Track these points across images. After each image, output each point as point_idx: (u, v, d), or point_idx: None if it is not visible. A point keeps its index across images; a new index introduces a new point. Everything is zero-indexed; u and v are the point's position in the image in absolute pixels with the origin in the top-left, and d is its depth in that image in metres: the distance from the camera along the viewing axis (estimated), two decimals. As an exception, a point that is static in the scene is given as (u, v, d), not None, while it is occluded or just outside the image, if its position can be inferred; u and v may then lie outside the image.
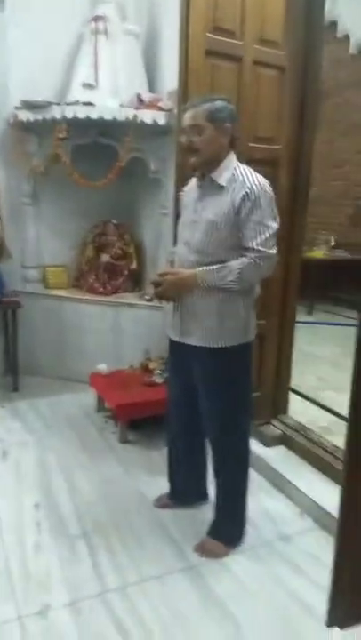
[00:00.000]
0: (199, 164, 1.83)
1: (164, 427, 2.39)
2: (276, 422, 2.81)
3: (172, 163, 2.91)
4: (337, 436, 2.63)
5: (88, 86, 3.22)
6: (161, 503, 2.26)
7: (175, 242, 2.08)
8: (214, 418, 1.96)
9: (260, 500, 2.33)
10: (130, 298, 3.57)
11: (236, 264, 1.75)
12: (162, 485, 2.29)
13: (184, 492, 2.24)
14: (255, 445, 2.55)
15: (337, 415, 2.99)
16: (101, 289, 3.63)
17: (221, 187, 1.79)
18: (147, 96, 3.13)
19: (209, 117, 1.75)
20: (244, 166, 1.83)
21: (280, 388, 2.86)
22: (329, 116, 6.23)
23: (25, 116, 3.19)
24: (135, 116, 3.02)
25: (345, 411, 3.04)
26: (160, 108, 3.09)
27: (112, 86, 3.26)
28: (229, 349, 1.86)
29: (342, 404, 3.10)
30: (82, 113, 3.03)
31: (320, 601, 1.64)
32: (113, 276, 3.67)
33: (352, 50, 5.81)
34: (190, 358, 1.94)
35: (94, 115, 3.03)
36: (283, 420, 2.82)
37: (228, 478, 2.02)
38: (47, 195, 3.60)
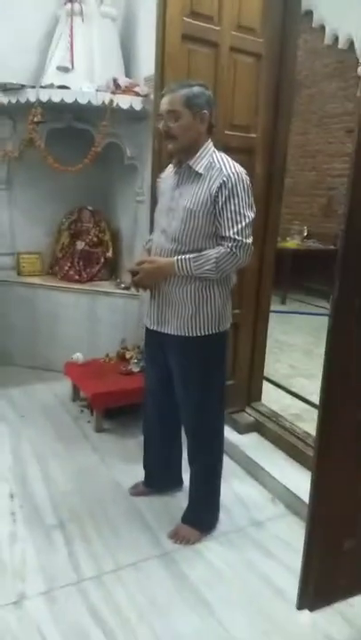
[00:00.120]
0: (176, 151, 1.82)
1: (139, 415, 2.40)
2: (249, 410, 2.84)
3: (148, 149, 2.89)
4: (308, 423, 2.69)
5: (63, 69, 3.16)
6: (136, 491, 2.27)
7: (152, 229, 2.07)
8: (189, 406, 1.97)
9: (234, 487, 2.36)
10: (106, 286, 3.54)
11: (212, 253, 1.75)
12: (137, 473, 2.30)
13: (159, 479, 2.26)
14: (229, 433, 2.58)
15: (308, 402, 3.05)
16: (77, 277, 3.58)
17: (199, 174, 1.78)
18: (123, 81, 3.08)
19: (186, 103, 1.74)
20: (222, 154, 1.82)
21: (254, 377, 2.89)
22: (303, 107, 6.27)
23: (-2, 98, 3.11)
24: (111, 101, 2.97)
25: (316, 398, 3.11)
26: (137, 94, 3.05)
27: (88, 70, 3.20)
28: (205, 338, 1.86)
29: (313, 391, 3.19)
30: (57, 96, 2.97)
31: (291, 585, 1.68)
32: (88, 263, 3.63)
33: (327, 40, 5.82)
34: (166, 347, 1.94)
35: (69, 98, 2.97)
36: (256, 407, 2.86)
37: (203, 465, 2.04)
38: (21, 180, 3.53)
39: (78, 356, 3.09)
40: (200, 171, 1.78)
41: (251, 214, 1.78)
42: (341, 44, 5.64)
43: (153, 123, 2.33)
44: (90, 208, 3.64)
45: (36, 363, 3.54)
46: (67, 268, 3.61)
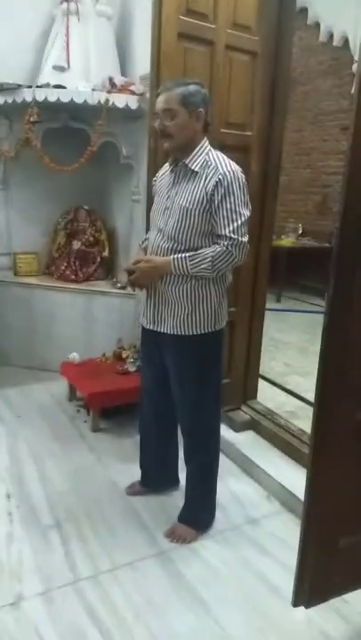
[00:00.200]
0: (172, 149, 1.82)
1: (136, 415, 2.40)
2: (245, 408, 2.85)
3: (144, 148, 2.88)
4: (303, 421, 2.70)
5: (59, 69, 3.15)
6: (133, 490, 2.27)
7: (148, 228, 2.07)
8: (186, 405, 1.97)
9: (230, 485, 2.37)
10: (102, 285, 3.53)
11: (208, 252, 1.76)
12: (134, 473, 2.30)
13: (156, 478, 2.26)
14: (225, 431, 2.58)
15: (303, 400, 3.06)
16: (73, 276, 3.58)
17: (195, 172, 1.78)
18: (119, 80, 3.08)
19: (182, 102, 1.74)
20: (218, 152, 1.82)
21: (250, 375, 2.90)
22: (298, 104, 6.28)
23: (-6, 98, 3.10)
24: (107, 100, 2.97)
25: (311, 395, 3.12)
26: (132, 92, 3.04)
27: (84, 69, 3.19)
28: (201, 337, 1.87)
29: (308, 388, 3.19)
30: (53, 96, 2.96)
31: (287, 582, 1.68)
32: (85, 263, 3.63)
33: (322, 37, 5.82)
34: (163, 345, 1.94)
35: (65, 98, 2.96)
36: (252, 405, 2.87)
37: (199, 464, 2.04)
38: (17, 180, 3.52)
39: (74, 356, 3.09)
40: (196, 169, 1.78)
41: (247, 212, 1.78)
42: (336, 42, 5.65)
43: (149, 121, 2.33)
44: (86, 207, 3.63)
45: (33, 363, 3.54)
46: (63, 267, 3.61)
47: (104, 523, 2.09)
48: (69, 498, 2.23)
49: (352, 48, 5.41)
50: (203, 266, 1.76)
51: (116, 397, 2.79)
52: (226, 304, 1.95)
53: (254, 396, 2.94)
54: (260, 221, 2.63)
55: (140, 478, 2.28)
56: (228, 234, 1.74)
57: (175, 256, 1.79)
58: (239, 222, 1.75)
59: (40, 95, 2.97)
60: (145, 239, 2.06)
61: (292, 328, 4.69)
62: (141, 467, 2.26)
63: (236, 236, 1.74)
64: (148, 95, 2.78)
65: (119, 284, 3.42)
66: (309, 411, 2.71)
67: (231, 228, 1.74)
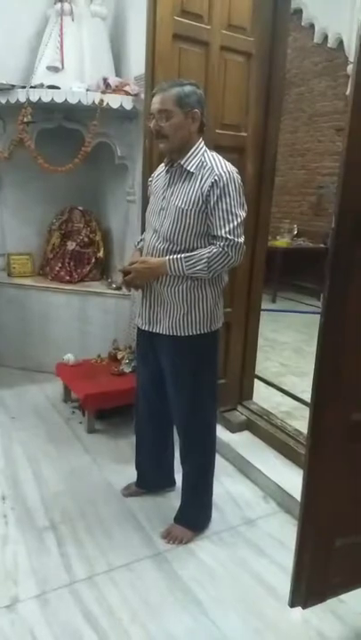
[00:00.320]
0: (168, 150, 1.81)
1: (131, 416, 2.39)
2: (241, 408, 2.85)
3: (138, 148, 2.88)
4: (299, 421, 2.70)
5: (53, 69, 3.14)
6: (129, 491, 2.27)
7: (143, 229, 2.06)
8: (181, 405, 1.97)
9: (226, 485, 2.37)
10: (97, 286, 3.53)
11: (204, 252, 1.75)
12: (129, 474, 2.29)
13: (151, 479, 2.26)
14: (221, 431, 2.58)
15: (299, 400, 3.07)
16: (68, 277, 3.57)
17: (190, 173, 1.78)
18: (113, 80, 3.07)
19: (178, 102, 1.73)
20: (213, 153, 1.82)
21: (246, 375, 2.90)
22: (293, 106, 6.29)
23: (-13, 98, 3.09)
24: (102, 101, 2.96)
25: (306, 396, 3.12)
26: (127, 93, 3.04)
27: (78, 69, 3.19)
28: (197, 337, 1.87)
29: (304, 389, 3.20)
30: (47, 96, 2.96)
31: (283, 582, 1.69)
32: (79, 264, 3.62)
33: (316, 39, 5.84)
34: (158, 346, 1.94)
35: (59, 98, 2.96)
36: (248, 405, 2.87)
37: (195, 465, 2.04)
38: (11, 180, 3.51)
39: (69, 357, 3.08)
40: (192, 170, 1.78)
41: (242, 213, 1.78)
42: (331, 43, 5.67)
43: (144, 122, 2.33)
44: (80, 208, 3.63)
45: (27, 364, 3.52)
46: (57, 268, 3.60)
47: (100, 524, 2.09)
48: (65, 499, 2.23)
49: (346, 49, 5.44)
50: (198, 267, 1.76)
51: (112, 398, 2.78)
52: (222, 305, 1.95)
53: (250, 396, 2.95)
54: (255, 222, 2.63)
55: (135, 479, 2.27)
56: (223, 235, 1.74)
57: (171, 257, 1.78)
58: (235, 223, 1.75)
59: (34, 95, 2.97)
60: (140, 240, 2.06)
61: (288, 328, 4.70)
62: (137, 468, 2.25)
63: (232, 237, 1.74)
64: (142, 96, 2.78)
65: (114, 285, 3.42)
66: (305, 411, 2.71)
67: (227, 229, 1.74)
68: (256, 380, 3.05)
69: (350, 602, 1.71)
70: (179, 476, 2.13)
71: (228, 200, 1.74)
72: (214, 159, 1.79)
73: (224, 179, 1.74)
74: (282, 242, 5.96)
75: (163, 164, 1.93)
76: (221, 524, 2.12)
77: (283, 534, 2.06)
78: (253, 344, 2.89)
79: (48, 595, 1.73)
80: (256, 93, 2.51)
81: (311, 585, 1.43)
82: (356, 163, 1.16)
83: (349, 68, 5.30)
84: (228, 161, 1.81)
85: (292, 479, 2.26)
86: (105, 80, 3.05)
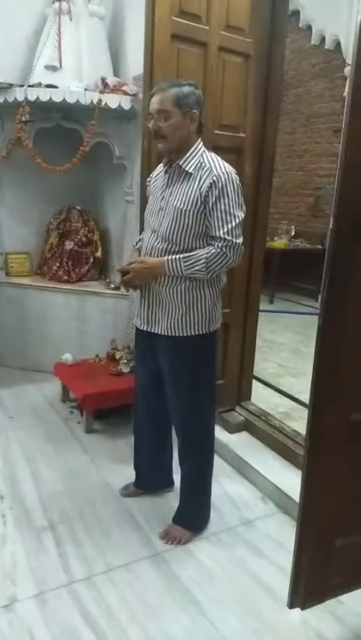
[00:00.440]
0: (166, 151, 1.82)
1: (130, 416, 2.39)
2: (239, 409, 2.85)
3: (137, 148, 2.88)
4: (297, 421, 2.71)
5: (51, 68, 3.14)
6: (127, 492, 2.27)
7: (142, 229, 2.06)
8: (180, 406, 1.97)
9: (224, 486, 2.37)
10: (95, 286, 3.52)
11: (202, 253, 1.76)
12: (128, 474, 2.29)
13: (150, 480, 2.26)
14: (219, 432, 2.58)
15: (297, 401, 3.07)
16: (66, 277, 3.57)
17: (189, 174, 1.78)
18: (111, 80, 3.07)
19: (176, 103, 1.73)
20: (212, 153, 1.82)
21: (244, 376, 2.90)
22: (290, 107, 6.30)
23: (-15, 97, 3.08)
24: (100, 100, 2.96)
25: (304, 396, 3.12)
26: (125, 93, 3.04)
27: (76, 69, 3.18)
28: (195, 338, 1.87)
29: (302, 389, 3.20)
30: (45, 96, 2.95)
31: (281, 583, 1.70)
32: (77, 263, 3.61)
33: (314, 40, 5.85)
34: (156, 346, 1.94)
35: (58, 97, 2.95)
36: (246, 406, 2.87)
37: (193, 465, 2.04)
38: (9, 179, 3.50)
39: (68, 357, 3.08)
40: (190, 170, 1.78)
41: (241, 214, 1.78)
42: (328, 45, 5.68)
43: (142, 122, 2.33)
44: (78, 208, 3.62)
45: (26, 363, 3.52)
46: (55, 268, 3.59)
47: (98, 524, 2.08)
48: (63, 499, 2.22)
49: (344, 51, 5.44)
50: (197, 267, 1.76)
51: (110, 399, 2.78)
52: (220, 305, 1.95)
53: (248, 397, 2.95)
54: (253, 223, 2.63)
55: (134, 479, 2.27)
56: (222, 235, 1.74)
57: (169, 257, 1.79)
58: (233, 224, 1.75)
59: (32, 94, 2.96)
60: (139, 240, 2.06)
61: (285, 329, 4.70)
62: (136, 468, 2.25)
63: (230, 238, 1.74)
64: (141, 96, 2.78)
65: (112, 285, 3.41)
66: (303, 412, 2.72)
67: (225, 230, 1.74)
68: (254, 381, 3.05)
69: (349, 603, 1.72)
70: (177, 477, 2.13)
71: (226, 201, 1.74)
72: (213, 160, 1.79)
73: (223, 179, 1.74)
74: (279, 243, 5.96)
75: (161, 165, 1.93)
76: (220, 525, 2.12)
77: (281, 535, 2.06)
78: (252, 345, 2.89)
79: (46, 595, 1.73)
80: (254, 94, 2.51)
81: (310, 586, 1.43)
82: (354, 163, 1.16)
83: (347, 70, 5.31)
84: (227, 162, 1.81)
85: (290, 480, 2.26)
86: (103, 80, 3.05)
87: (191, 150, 1.80)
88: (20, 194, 3.56)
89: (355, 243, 1.21)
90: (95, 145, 3.16)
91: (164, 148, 1.81)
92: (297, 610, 1.47)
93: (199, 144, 1.82)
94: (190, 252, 1.78)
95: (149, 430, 2.14)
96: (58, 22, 3.14)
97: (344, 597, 1.64)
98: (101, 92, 3.00)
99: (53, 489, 2.29)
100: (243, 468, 2.49)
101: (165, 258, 1.79)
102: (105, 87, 3.03)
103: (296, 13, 5.77)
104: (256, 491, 2.36)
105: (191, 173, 1.78)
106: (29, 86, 3.01)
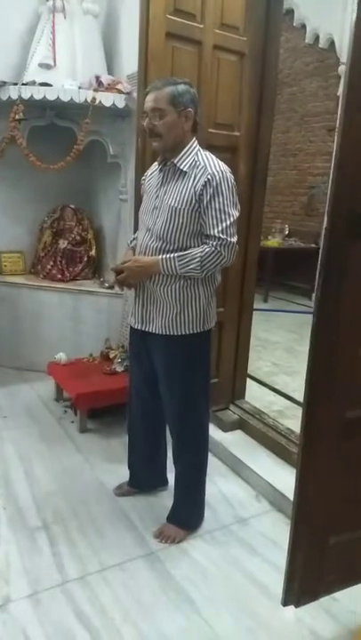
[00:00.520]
0: (161, 149, 1.81)
1: (124, 415, 2.39)
2: (233, 407, 2.85)
3: (131, 147, 2.87)
4: (291, 420, 2.71)
5: (45, 66, 3.12)
6: (121, 491, 2.26)
7: (136, 228, 2.06)
8: (174, 404, 1.97)
9: (218, 485, 2.37)
10: (89, 285, 3.52)
11: (197, 252, 1.75)
12: (122, 473, 2.29)
13: (144, 479, 2.25)
14: (213, 431, 2.58)
15: (291, 399, 3.08)
16: (59, 276, 3.55)
17: (183, 172, 1.78)
18: (106, 78, 3.06)
19: (171, 101, 1.73)
20: (207, 152, 1.82)
21: (238, 374, 2.90)
22: (285, 106, 6.31)
23: (-22, 95, 3.06)
24: (94, 99, 2.95)
25: (298, 395, 3.13)
26: (119, 91, 3.03)
27: (70, 67, 3.17)
28: (189, 337, 1.86)
29: (296, 388, 3.21)
30: (39, 94, 2.94)
31: (276, 581, 1.70)
32: (71, 262, 3.60)
33: (308, 39, 5.86)
34: (151, 345, 1.94)
35: (51, 96, 2.94)
36: (240, 405, 2.87)
37: (188, 464, 2.04)
38: (2, 178, 3.48)
39: (61, 356, 3.07)
40: (185, 169, 1.78)
41: (235, 213, 1.78)
42: (322, 44, 5.69)
43: (136, 120, 2.32)
44: (72, 206, 3.61)
45: (19, 363, 3.50)
46: (49, 267, 3.58)
47: (92, 524, 2.08)
48: (57, 499, 2.22)
49: (338, 50, 5.46)
50: (191, 266, 1.76)
51: (104, 398, 2.77)
52: (215, 304, 1.95)
53: (242, 395, 2.95)
54: (247, 222, 2.63)
55: (128, 479, 2.27)
56: (216, 234, 1.74)
57: (163, 256, 1.78)
58: (228, 222, 1.75)
59: (26, 93, 2.95)
60: (133, 238, 2.06)
61: (279, 328, 4.71)
62: (130, 467, 2.25)
63: (224, 237, 1.74)
64: (135, 94, 2.77)
65: (106, 284, 3.41)
66: (297, 410, 2.72)
67: (220, 229, 1.74)
68: (248, 380, 3.06)
69: (343, 600, 1.72)
70: (171, 476, 2.13)
71: (220, 199, 1.74)
72: (207, 158, 1.78)
73: (217, 178, 1.74)
74: (273, 242, 5.98)
75: (156, 163, 1.93)
76: (214, 523, 2.12)
77: (275, 533, 2.07)
78: (246, 343, 2.89)
79: (40, 594, 1.72)
80: (249, 93, 2.51)
81: (304, 583, 1.43)
82: (349, 162, 1.16)
83: (341, 69, 5.33)
84: (221, 160, 1.81)
85: (284, 478, 2.27)
86: (97, 78, 3.04)
87: (186, 149, 1.79)
88: (13, 192, 3.54)
89: (349, 241, 1.21)
90: (89, 143, 3.15)
91: (159, 147, 1.80)
92: (291, 607, 1.48)
93: (194, 142, 1.82)
94: (185, 250, 1.78)
95: (144, 429, 2.14)
96: (52, 20, 3.13)
97: (338, 595, 1.64)
98: (95, 91, 2.99)
99: (47, 488, 2.29)
100: (237, 467, 2.49)
101: (160, 257, 1.79)
102: (99, 85, 3.03)
103: (290, 12, 5.78)
104: (250, 489, 2.37)
105: (186, 172, 1.77)
106: (23, 84, 3.00)
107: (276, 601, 1.60)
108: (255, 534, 2.08)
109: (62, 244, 3.59)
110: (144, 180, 2.00)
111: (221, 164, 1.79)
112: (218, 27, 2.36)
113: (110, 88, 3.03)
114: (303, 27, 5.87)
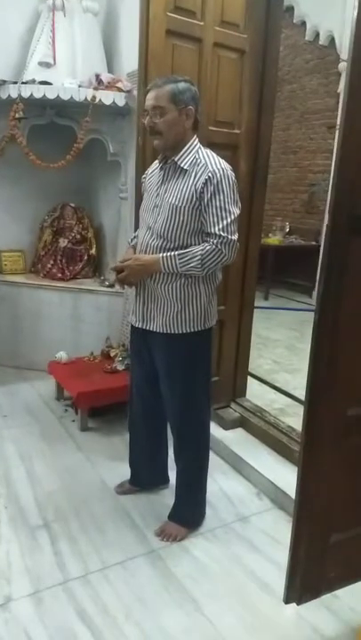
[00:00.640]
0: (162, 147, 1.81)
1: (125, 414, 2.39)
2: (234, 405, 2.85)
3: (131, 145, 2.87)
4: (292, 417, 2.71)
5: (45, 65, 3.11)
6: (122, 489, 2.26)
7: (137, 226, 2.05)
8: (175, 403, 1.97)
9: (220, 482, 2.37)
10: (89, 284, 3.51)
11: (197, 250, 1.75)
12: (123, 472, 2.29)
13: (145, 477, 2.25)
14: (215, 429, 2.58)
15: (292, 397, 3.08)
16: (60, 275, 3.55)
17: (184, 170, 1.78)
18: (105, 76, 3.05)
19: (172, 99, 1.73)
20: (207, 150, 1.82)
21: (239, 372, 2.90)
22: (285, 103, 6.30)
23: (-22, 94, 3.06)
24: (94, 97, 2.94)
25: (299, 393, 3.12)
26: (119, 89, 3.02)
27: (70, 65, 3.17)
28: (190, 335, 1.86)
29: (297, 386, 3.21)
30: (39, 92, 2.93)
31: (277, 579, 1.70)
32: (72, 261, 3.60)
33: (308, 36, 5.84)
34: (152, 344, 1.94)
35: (51, 94, 2.94)
36: (241, 403, 2.87)
37: (189, 462, 2.04)
38: (3, 176, 3.47)
39: (62, 355, 3.07)
40: (185, 167, 1.77)
41: (236, 210, 1.78)
42: (322, 41, 5.67)
43: (136, 118, 2.32)
44: (72, 205, 3.61)
45: (20, 362, 3.50)
46: (49, 265, 3.58)
47: (93, 522, 2.08)
48: (58, 497, 2.22)
49: (338, 47, 5.44)
50: (192, 264, 1.75)
51: (105, 396, 2.77)
52: (215, 302, 1.95)
53: (243, 393, 2.95)
54: (248, 219, 2.63)
55: (129, 477, 2.27)
56: (217, 232, 1.74)
57: (164, 254, 1.78)
58: (229, 220, 1.75)
59: (26, 91, 2.94)
60: (134, 237, 2.05)
61: (280, 326, 4.71)
62: (131, 465, 2.25)
63: (225, 234, 1.74)
64: (135, 92, 2.76)
65: (107, 282, 3.40)
66: (298, 408, 2.72)
67: (221, 226, 1.74)
68: (249, 378, 3.06)
69: (345, 597, 1.72)
70: (173, 474, 2.13)
71: (221, 197, 1.74)
72: (208, 156, 1.78)
73: (218, 175, 1.73)
74: (274, 239, 5.97)
75: (157, 161, 1.92)
76: (215, 521, 2.12)
77: (276, 531, 2.07)
78: (247, 341, 2.89)
79: (42, 593, 1.73)
80: (249, 90, 2.51)
81: (306, 581, 1.43)
82: (351, 159, 1.16)
83: (341, 66, 5.32)
84: (222, 158, 1.81)
85: (285, 476, 2.27)
86: (97, 76, 3.03)
87: (187, 147, 1.79)
88: (13, 191, 3.54)
89: (351, 238, 1.21)
90: (89, 142, 3.14)
91: (160, 145, 1.80)
92: (293, 605, 1.48)
93: (195, 140, 1.81)
94: (185, 248, 1.77)
95: (145, 427, 2.14)
96: (51, 18, 3.12)
97: (340, 592, 1.65)
98: (95, 89, 2.98)
99: (48, 487, 2.29)
100: (238, 465, 2.49)
101: (160, 255, 1.79)
102: (99, 84, 3.02)
103: (290, 9, 5.76)
104: (251, 487, 2.37)
105: (186, 170, 1.77)
106: (23, 83, 2.99)
107: (277, 598, 1.61)
108: (256, 532, 2.08)
109: (62, 242, 3.59)
110: (145, 178, 2.00)
111: (222, 161, 1.78)
112: (218, 24, 2.35)
113: (110, 86, 3.03)
114: (303, 24, 5.85)
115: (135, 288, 1.93)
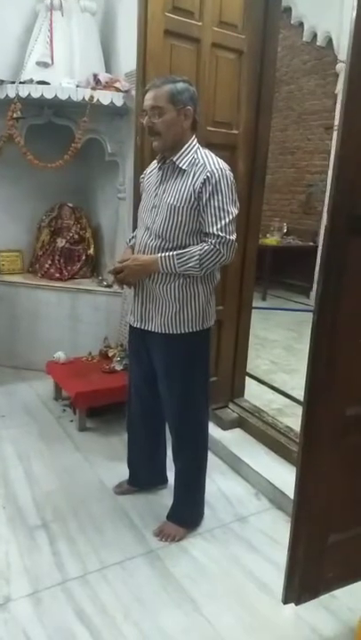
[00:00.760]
0: (161, 147, 1.81)
1: (123, 414, 2.39)
2: (232, 406, 2.86)
3: (129, 145, 2.87)
4: (290, 418, 2.71)
5: (43, 64, 3.11)
6: (121, 489, 2.26)
7: (135, 226, 2.05)
8: (173, 403, 1.97)
9: (218, 483, 2.37)
10: (87, 284, 3.51)
11: (196, 250, 1.75)
12: (121, 472, 2.29)
13: (144, 477, 2.25)
14: (213, 429, 2.59)
15: (290, 397, 3.08)
16: (57, 275, 3.55)
17: (182, 170, 1.78)
18: (103, 76, 3.05)
19: (170, 99, 1.73)
20: (206, 150, 1.82)
21: (237, 373, 2.90)
22: (282, 104, 6.31)
23: (-24, 94, 3.05)
24: (92, 97, 2.94)
25: (297, 393, 3.13)
26: (117, 89, 3.02)
27: (68, 65, 3.16)
28: (189, 335, 1.86)
29: (295, 386, 3.21)
30: (36, 92, 2.93)
31: (276, 579, 1.70)
32: (69, 261, 3.60)
33: (306, 37, 5.86)
34: (150, 344, 1.94)
35: (49, 94, 2.93)
36: (239, 403, 2.87)
37: (187, 462, 2.04)
38: (0, 177, 3.47)
39: (60, 355, 3.06)
40: (184, 167, 1.77)
41: (234, 210, 1.78)
42: (320, 41, 5.69)
43: (134, 118, 2.32)
44: (70, 205, 3.60)
45: (18, 362, 3.50)
46: (47, 265, 3.57)
47: (92, 522, 2.08)
48: (56, 498, 2.21)
49: (335, 48, 5.45)
50: (190, 264, 1.75)
51: (103, 396, 2.77)
52: (214, 303, 1.95)
53: (242, 393, 2.95)
54: (246, 220, 2.63)
55: (127, 477, 2.27)
56: (215, 232, 1.74)
57: (162, 254, 1.78)
58: (227, 220, 1.75)
59: (23, 91, 2.94)
60: (132, 237, 2.05)
61: (278, 326, 4.72)
62: (129, 465, 2.25)
63: (223, 234, 1.74)
64: (133, 92, 2.76)
65: (105, 283, 3.40)
66: (296, 408, 2.72)
67: (219, 226, 1.74)
68: (247, 378, 3.06)
69: (343, 597, 1.72)
70: (171, 474, 2.13)
71: (220, 197, 1.74)
72: (207, 156, 1.78)
73: (216, 176, 1.73)
74: (272, 240, 5.98)
75: (155, 161, 1.93)
76: (213, 521, 2.12)
77: (275, 531, 2.07)
78: (245, 342, 2.89)
79: (40, 593, 1.72)
80: (247, 91, 2.51)
81: (305, 581, 1.43)
82: (349, 160, 1.16)
83: (338, 67, 5.33)
84: (220, 158, 1.81)
85: (283, 476, 2.27)
86: (95, 76, 3.03)
87: (185, 147, 1.79)
88: (11, 191, 3.53)
89: (349, 238, 1.21)
90: (87, 142, 3.14)
91: (159, 145, 1.80)
92: (291, 605, 1.48)
93: (193, 140, 1.82)
94: (184, 249, 1.78)
95: (143, 427, 2.14)
96: (49, 18, 3.12)
97: (338, 592, 1.65)
98: (93, 89, 2.98)
99: (46, 487, 2.28)
100: (236, 465, 2.49)
101: (158, 255, 1.79)
102: (97, 83, 3.02)
103: (288, 10, 5.77)
104: (249, 487, 2.37)
105: (185, 170, 1.77)
106: (21, 83, 2.99)
107: (276, 598, 1.61)
108: (255, 532, 2.08)
109: (60, 242, 3.58)
110: (143, 178, 2.00)
111: (221, 161, 1.79)
112: (216, 24, 2.36)
113: (108, 86, 3.03)
114: (301, 24, 5.87)
115: (134, 288, 1.93)
